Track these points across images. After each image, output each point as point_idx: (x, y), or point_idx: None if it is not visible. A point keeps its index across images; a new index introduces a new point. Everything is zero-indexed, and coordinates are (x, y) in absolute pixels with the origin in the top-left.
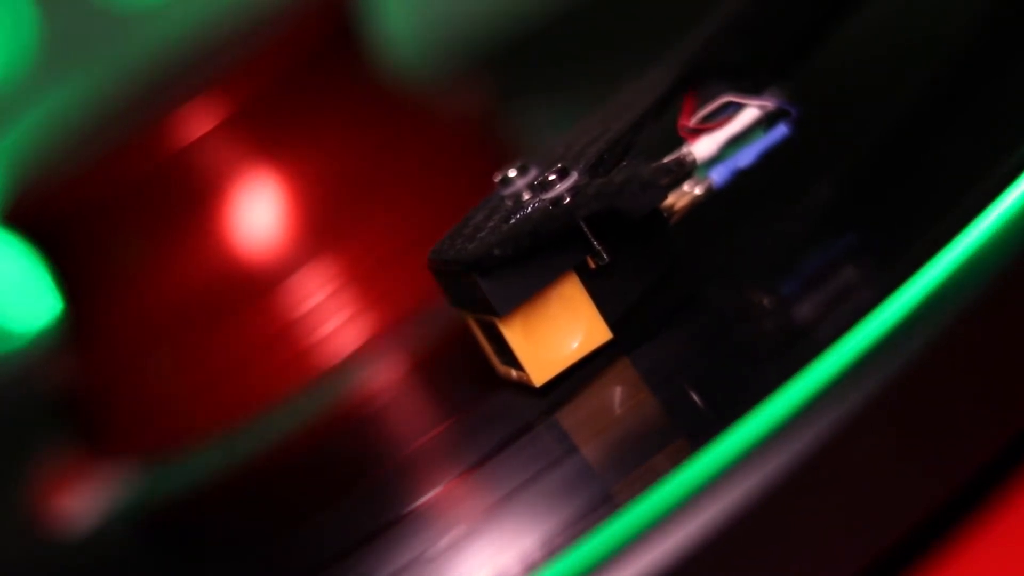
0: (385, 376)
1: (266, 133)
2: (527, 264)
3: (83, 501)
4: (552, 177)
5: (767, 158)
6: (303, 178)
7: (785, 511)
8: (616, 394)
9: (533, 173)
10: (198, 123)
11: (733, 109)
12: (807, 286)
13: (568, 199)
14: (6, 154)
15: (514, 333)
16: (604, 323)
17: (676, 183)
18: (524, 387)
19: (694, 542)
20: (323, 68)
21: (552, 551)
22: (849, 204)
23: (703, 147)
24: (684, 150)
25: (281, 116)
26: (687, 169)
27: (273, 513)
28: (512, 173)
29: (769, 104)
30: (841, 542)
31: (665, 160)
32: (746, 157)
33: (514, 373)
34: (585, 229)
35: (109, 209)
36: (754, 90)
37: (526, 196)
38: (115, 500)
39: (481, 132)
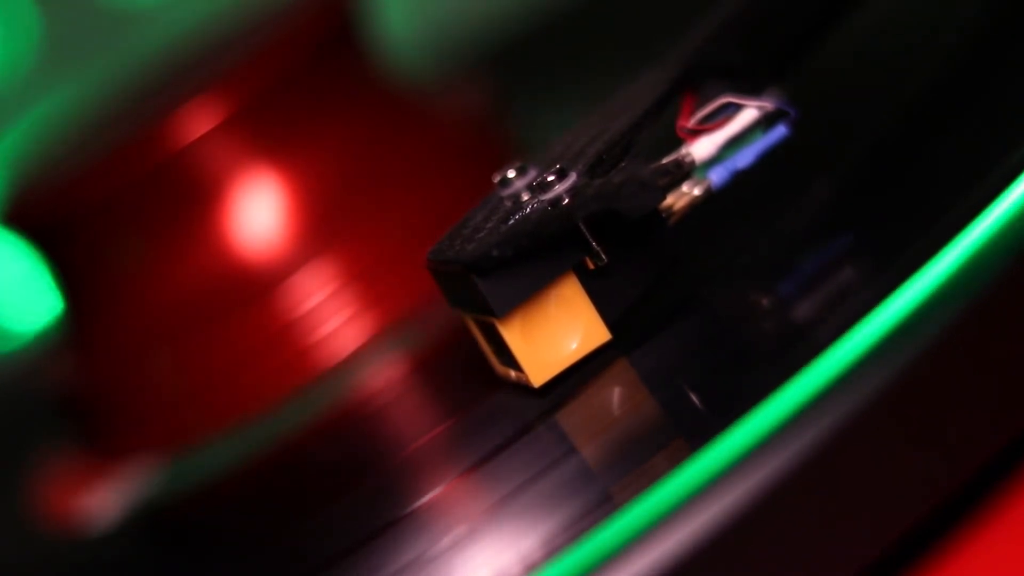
0: (385, 376)
1: (266, 133)
2: (526, 265)
3: (83, 501)
4: (551, 178)
5: (766, 159)
6: (303, 178)
7: (784, 512)
8: (615, 395)
9: (532, 174)
10: (198, 123)
11: (732, 110)
12: (806, 287)
13: (567, 200)
14: (6, 154)
15: (513, 334)
16: (603, 324)
17: (675, 184)
18: (523, 387)
19: (693, 543)
20: (323, 68)
21: (552, 551)
22: (849, 204)
23: (702, 148)
24: (683, 151)
25: (281, 116)
26: (686, 170)
27: (273, 513)
28: (511, 174)
29: (768, 105)
30: (841, 543)
31: (664, 161)
32: (745, 158)
33: (513, 374)
34: (584, 230)
35: (109, 209)
36: (753, 91)
37: (525, 197)
38: (115, 500)
39: (481, 132)
